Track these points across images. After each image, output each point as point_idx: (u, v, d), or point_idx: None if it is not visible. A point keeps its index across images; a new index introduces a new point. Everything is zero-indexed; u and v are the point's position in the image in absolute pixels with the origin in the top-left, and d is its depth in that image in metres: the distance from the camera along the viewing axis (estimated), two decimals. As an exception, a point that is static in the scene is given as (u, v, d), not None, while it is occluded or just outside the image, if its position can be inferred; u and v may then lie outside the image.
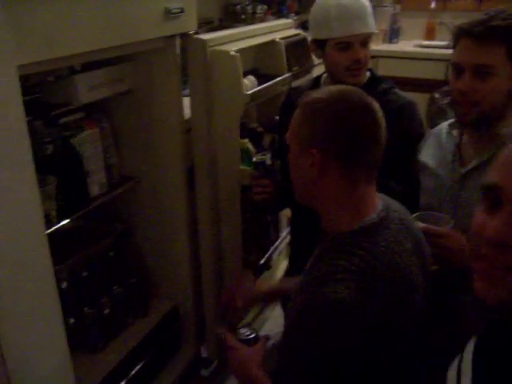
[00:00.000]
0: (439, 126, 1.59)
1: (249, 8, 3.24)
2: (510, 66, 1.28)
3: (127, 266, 1.97)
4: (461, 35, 1.32)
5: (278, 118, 2.05)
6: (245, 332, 1.33)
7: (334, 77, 1.76)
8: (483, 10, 4.18)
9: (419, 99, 1.91)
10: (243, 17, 3.23)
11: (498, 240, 0.73)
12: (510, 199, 0.73)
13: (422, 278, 1.13)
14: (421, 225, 1.26)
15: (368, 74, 1.78)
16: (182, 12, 1.62)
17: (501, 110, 1.32)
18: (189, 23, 1.71)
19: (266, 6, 3.38)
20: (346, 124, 1.07)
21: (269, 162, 1.65)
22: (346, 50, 1.66)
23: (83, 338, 1.76)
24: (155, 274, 2.11)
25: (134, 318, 1.95)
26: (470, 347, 0.84)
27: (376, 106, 1.10)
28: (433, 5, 4.35)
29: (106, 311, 1.79)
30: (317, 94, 1.14)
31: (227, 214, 1.96)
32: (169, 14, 1.57)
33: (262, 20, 3.30)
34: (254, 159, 1.77)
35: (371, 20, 1.68)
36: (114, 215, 2.04)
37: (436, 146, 1.55)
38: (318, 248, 1.16)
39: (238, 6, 3.25)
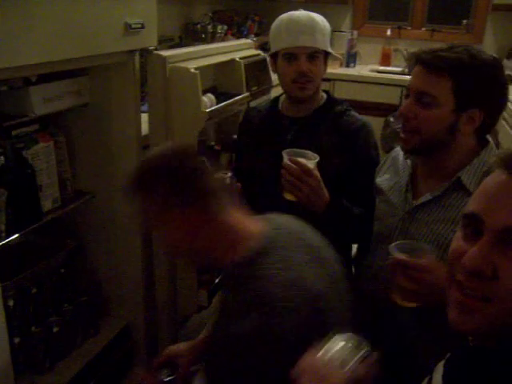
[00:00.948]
0: (397, 149, 1.57)
1: (209, 27, 3.28)
2: (454, 101, 1.27)
3: (79, 282, 1.92)
4: (415, 60, 1.34)
5: (235, 136, 2.06)
6: (165, 372, 1.32)
7: (285, 91, 1.78)
8: (435, 39, 4.36)
9: (374, 122, 1.95)
10: (203, 36, 3.26)
11: (473, 269, 0.73)
12: (488, 229, 0.74)
13: (329, 282, 1.14)
14: (399, 256, 1.15)
15: (325, 96, 1.81)
16: (142, 27, 1.62)
17: (441, 142, 1.31)
18: (149, 39, 1.70)
19: (226, 27, 3.42)
20: (184, 172, 1.12)
21: (228, 181, 1.65)
22: (292, 62, 1.69)
23: (29, 359, 1.70)
24: (107, 292, 2.06)
25: (83, 337, 1.89)
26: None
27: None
28: (388, 32, 4.49)
29: (55, 330, 1.73)
30: (143, 164, 1.19)
31: (183, 231, 1.94)
32: (129, 28, 1.56)
33: (223, 40, 3.33)
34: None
35: (322, 37, 1.70)
36: (67, 231, 1.98)
37: (393, 171, 1.54)
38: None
39: (199, 25, 3.28)
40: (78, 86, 1.73)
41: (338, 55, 1.97)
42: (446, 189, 1.33)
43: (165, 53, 1.74)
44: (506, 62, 3.77)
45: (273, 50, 1.75)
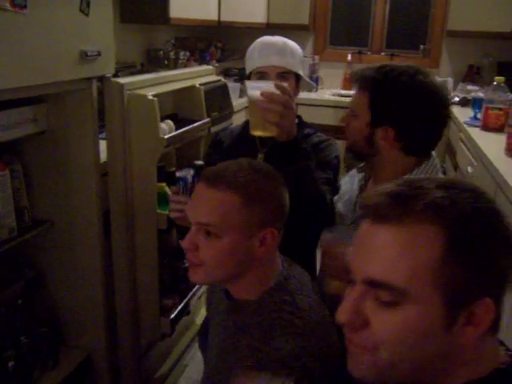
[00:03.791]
0: (353, 170, 1.66)
1: (171, 54, 3.29)
2: (370, 115, 1.39)
3: (37, 314, 1.87)
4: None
5: (198, 162, 2.06)
6: None
7: None
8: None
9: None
10: (166, 62, 3.27)
11: (343, 322, 0.74)
12: (356, 280, 0.75)
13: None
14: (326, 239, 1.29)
15: (296, 119, 1.84)
16: (98, 55, 1.62)
17: (364, 151, 1.44)
18: (106, 66, 1.70)
19: (188, 53, 3.44)
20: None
21: (190, 180, 1.63)
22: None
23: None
24: (67, 322, 2.01)
25: (42, 370, 1.84)
26: None
27: None
28: (349, 57, 4.58)
29: (10, 364, 1.68)
30: None
31: (144, 258, 1.92)
32: (85, 56, 1.56)
33: (185, 66, 3.35)
34: (178, 174, 1.74)
35: (292, 60, 1.74)
36: (25, 260, 1.94)
37: (347, 190, 1.62)
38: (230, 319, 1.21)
39: (161, 52, 3.29)
40: (35, 114, 1.71)
41: (311, 82, 2.03)
42: None
43: (123, 80, 1.74)
44: (461, 85, 3.89)
45: (247, 71, 1.79)
